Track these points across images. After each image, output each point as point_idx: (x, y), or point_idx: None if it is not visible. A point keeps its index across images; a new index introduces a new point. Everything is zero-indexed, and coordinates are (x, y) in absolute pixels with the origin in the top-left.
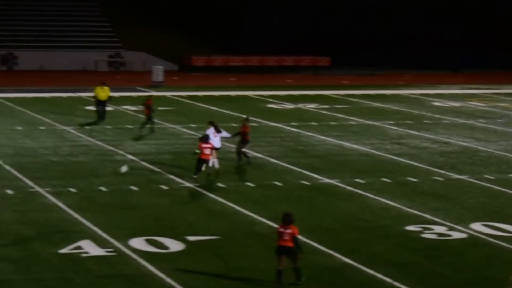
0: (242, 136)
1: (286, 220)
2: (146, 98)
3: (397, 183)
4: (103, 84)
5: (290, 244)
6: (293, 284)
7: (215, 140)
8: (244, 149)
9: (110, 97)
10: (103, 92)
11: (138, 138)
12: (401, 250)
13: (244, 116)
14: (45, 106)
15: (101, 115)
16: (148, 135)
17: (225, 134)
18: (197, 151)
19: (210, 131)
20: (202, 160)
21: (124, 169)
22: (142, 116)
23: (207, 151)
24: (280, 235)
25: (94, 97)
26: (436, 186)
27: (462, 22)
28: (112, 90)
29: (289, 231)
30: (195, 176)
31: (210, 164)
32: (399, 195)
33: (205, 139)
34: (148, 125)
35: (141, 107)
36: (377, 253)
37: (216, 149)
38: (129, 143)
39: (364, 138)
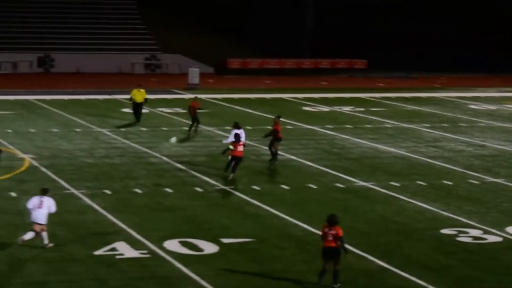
0: (274, 134)
1: (331, 221)
2: (191, 100)
3: (432, 186)
4: (139, 86)
5: (334, 245)
6: (329, 286)
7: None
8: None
9: (146, 99)
10: (140, 94)
11: (182, 140)
12: (435, 254)
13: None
14: (81, 108)
15: (137, 117)
16: (185, 137)
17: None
18: (231, 147)
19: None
20: (234, 158)
21: (173, 140)
22: (175, 118)
23: (240, 148)
24: (325, 236)
25: (130, 99)
26: (472, 189)
27: (462, 22)
28: (148, 92)
29: (333, 232)
30: (232, 174)
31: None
32: (434, 198)
33: (238, 137)
34: (187, 128)
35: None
36: (411, 256)
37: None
38: (164, 145)
39: (399, 141)
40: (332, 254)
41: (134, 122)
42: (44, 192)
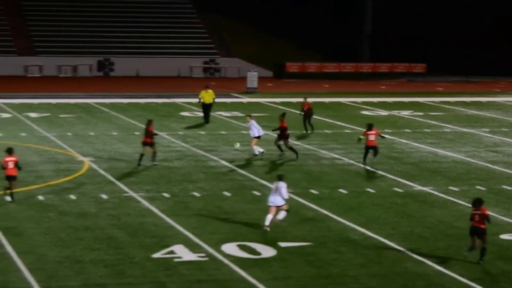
0: (281, 131)
1: (476, 204)
2: (302, 102)
3: (492, 191)
4: (207, 87)
5: (482, 226)
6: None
7: (259, 130)
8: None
9: (214, 100)
10: (208, 95)
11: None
12: (495, 259)
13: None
14: (140, 111)
15: (206, 118)
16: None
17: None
18: (361, 137)
19: (253, 123)
20: (369, 147)
21: (237, 145)
22: (233, 122)
23: (372, 138)
24: (473, 217)
25: (199, 100)
26: None
27: None
28: None
29: (479, 212)
30: (364, 163)
31: (257, 152)
32: (494, 203)
33: (370, 126)
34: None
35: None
36: (470, 262)
37: (258, 137)
38: (222, 149)
39: (459, 145)
40: (478, 233)
41: (204, 123)
42: (279, 178)
